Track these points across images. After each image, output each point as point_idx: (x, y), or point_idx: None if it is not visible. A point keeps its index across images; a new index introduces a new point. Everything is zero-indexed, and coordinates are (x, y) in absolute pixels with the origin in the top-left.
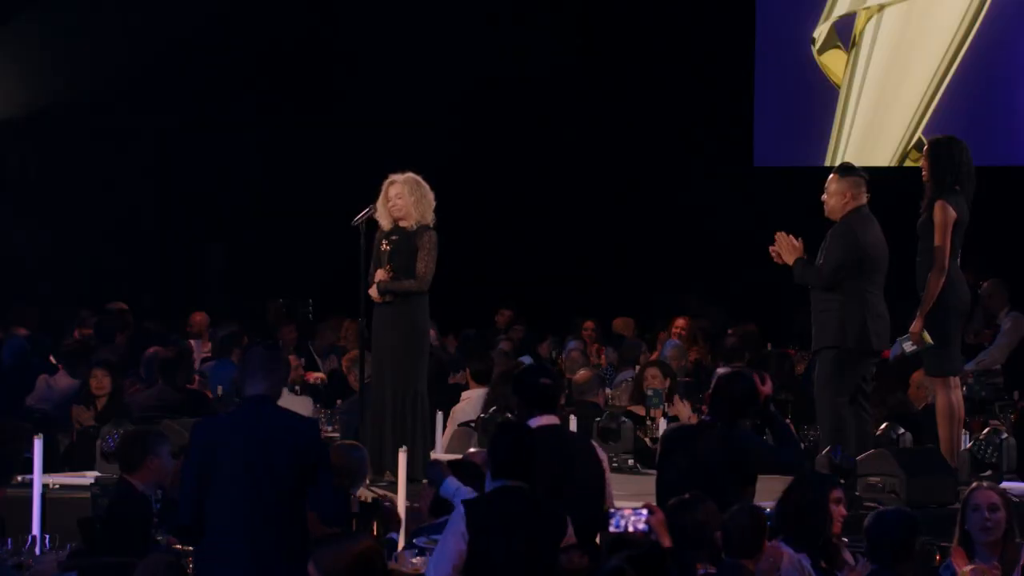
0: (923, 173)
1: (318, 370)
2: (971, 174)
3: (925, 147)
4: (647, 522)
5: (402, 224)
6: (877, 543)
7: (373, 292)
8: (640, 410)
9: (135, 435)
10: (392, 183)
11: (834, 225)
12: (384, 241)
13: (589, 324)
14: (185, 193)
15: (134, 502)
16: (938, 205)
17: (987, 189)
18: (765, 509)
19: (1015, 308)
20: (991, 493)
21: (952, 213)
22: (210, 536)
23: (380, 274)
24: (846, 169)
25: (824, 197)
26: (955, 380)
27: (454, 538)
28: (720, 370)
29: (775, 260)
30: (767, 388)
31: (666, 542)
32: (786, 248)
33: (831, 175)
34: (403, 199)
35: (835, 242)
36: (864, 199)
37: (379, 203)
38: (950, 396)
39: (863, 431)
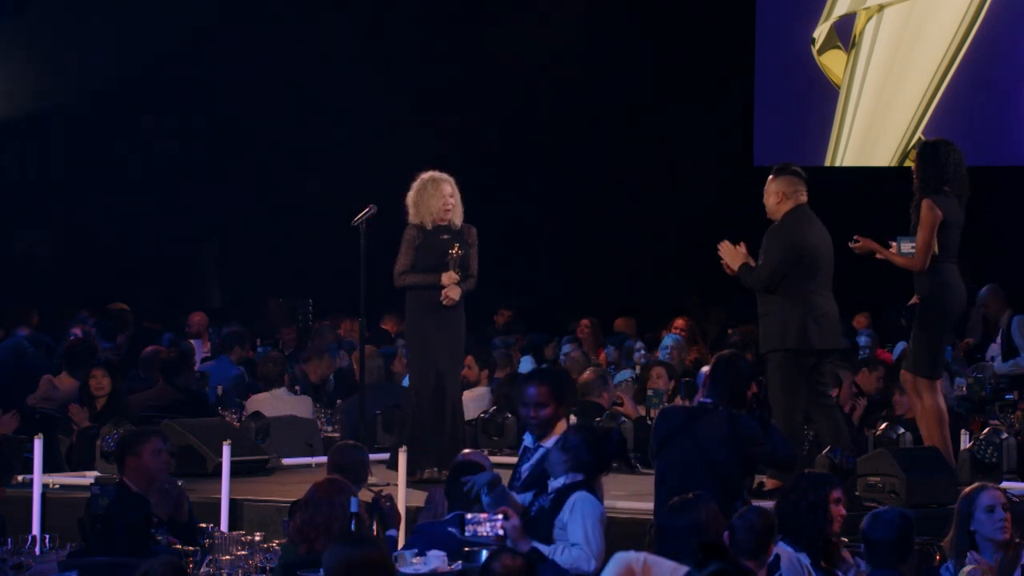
0: (913, 175)
1: None
2: (961, 175)
3: (916, 150)
4: (502, 527)
5: (447, 223)
6: (874, 544)
7: (455, 294)
8: (641, 410)
9: (123, 436)
10: (444, 181)
11: (771, 225)
12: (457, 245)
13: (585, 322)
14: (185, 192)
15: (130, 503)
16: (925, 204)
17: (987, 189)
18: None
19: (1015, 311)
20: (999, 492)
21: (938, 213)
22: None
23: (451, 277)
24: (781, 169)
25: (764, 199)
26: (940, 384)
27: (603, 521)
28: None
29: (726, 271)
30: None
31: (525, 547)
32: (730, 255)
33: (769, 176)
34: (455, 198)
35: (772, 243)
36: (803, 198)
37: (418, 200)
38: (937, 399)
39: (835, 428)
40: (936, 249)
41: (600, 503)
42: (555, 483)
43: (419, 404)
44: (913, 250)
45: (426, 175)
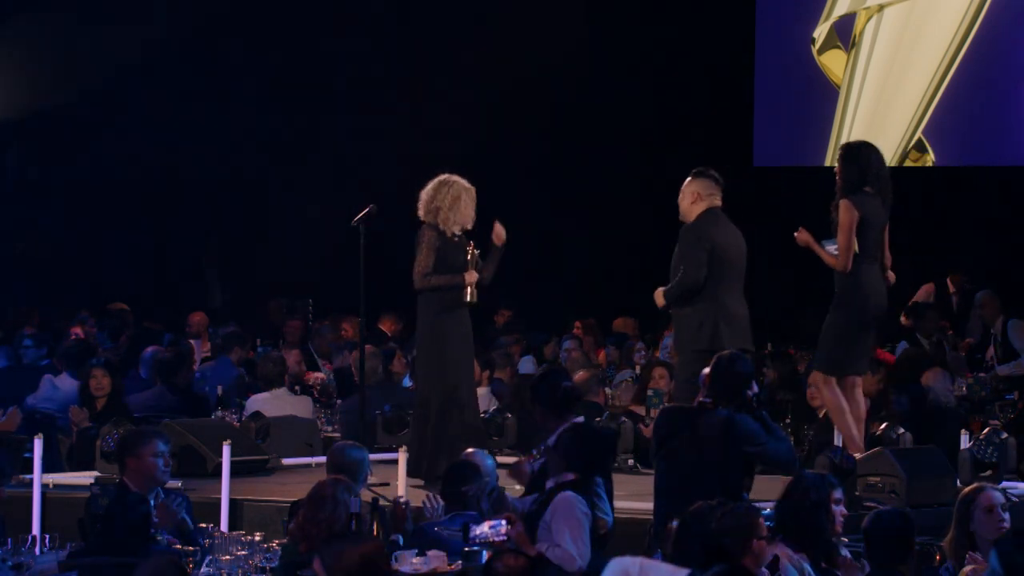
0: (836, 176)
1: (318, 370)
2: (883, 177)
3: (839, 151)
4: (506, 533)
5: (463, 230)
6: (875, 543)
7: (473, 294)
8: (641, 410)
9: (123, 436)
10: (473, 190)
11: (683, 227)
12: (472, 244)
13: (577, 323)
14: (185, 192)
15: (130, 503)
16: (842, 204)
17: (987, 189)
18: (764, 509)
19: (1008, 316)
20: (998, 493)
21: (855, 213)
22: None
23: (474, 275)
24: (699, 172)
25: (679, 200)
26: (858, 379)
27: (585, 519)
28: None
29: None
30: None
31: (531, 552)
32: (658, 303)
33: (687, 178)
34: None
35: (684, 243)
36: (717, 202)
37: (452, 206)
38: (834, 392)
39: None
40: (856, 248)
41: (584, 502)
42: (549, 483)
43: (448, 400)
44: (837, 251)
45: (459, 181)
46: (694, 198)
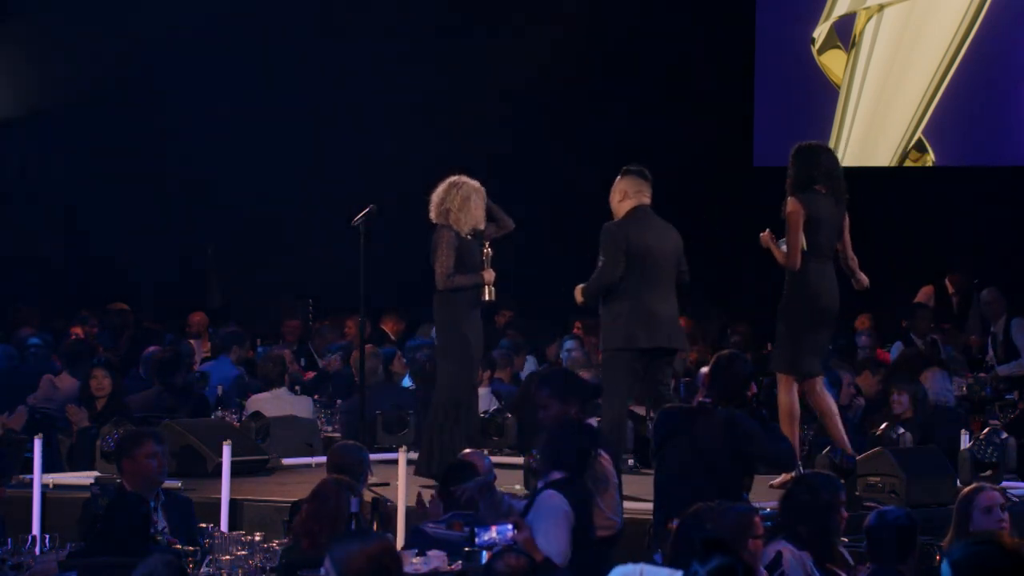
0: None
1: (317, 370)
2: (835, 176)
3: (791, 151)
4: (513, 538)
5: (476, 228)
6: (878, 542)
7: (492, 292)
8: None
9: (121, 437)
10: (481, 189)
11: (604, 225)
12: (488, 243)
13: (578, 323)
14: (184, 192)
15: (129, 503)
16: (789, 202)
17: (987, 189)
18: (765, 508)
19: (1012, 314)
20: (997, 494)
21: (800, 210)
22: None
23: (492, 274)
24: (627, 170)
25: (610, 197)
26: (817, 380)
27: (564, 517)
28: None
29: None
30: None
31: (538, 557)
32: (578, 300)
33: (618, 176)
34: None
35: (602, 243)
36: (646, 199)
37: (462, 207)
38: (791, 396)
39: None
40: (804, 246)
41: (566, 501)
42: (540, 482)
43: (465, 400)
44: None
45: (469, 182)
46: (622, 196)
